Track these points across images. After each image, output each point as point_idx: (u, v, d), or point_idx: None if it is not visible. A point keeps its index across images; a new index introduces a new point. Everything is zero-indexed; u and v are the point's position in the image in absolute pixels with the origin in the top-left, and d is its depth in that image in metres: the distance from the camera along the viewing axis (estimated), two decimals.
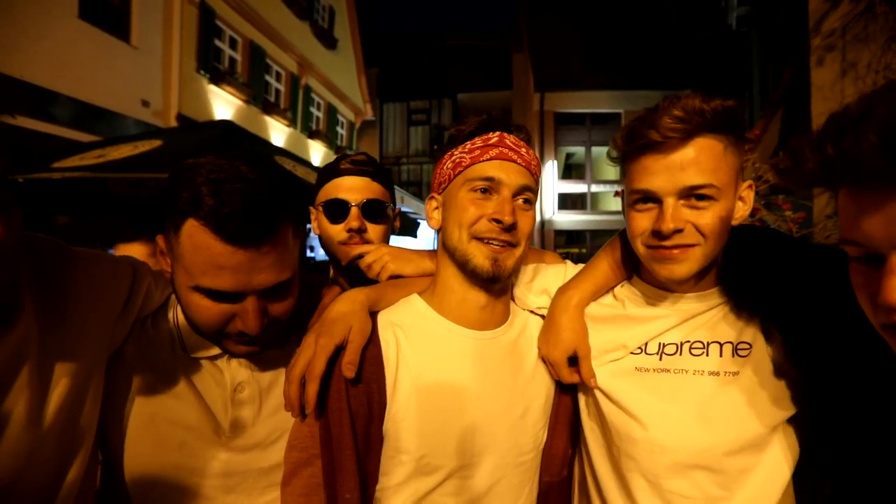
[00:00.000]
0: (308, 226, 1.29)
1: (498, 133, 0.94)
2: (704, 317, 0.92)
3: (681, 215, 0.82)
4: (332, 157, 13.19)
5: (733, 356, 0.88)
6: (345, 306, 0.92)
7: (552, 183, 18.11)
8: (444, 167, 0.97)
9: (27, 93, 5.33)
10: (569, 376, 0.96)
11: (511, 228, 0.90)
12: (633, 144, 0.84)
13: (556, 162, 18.32)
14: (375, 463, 0.88)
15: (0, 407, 0.68)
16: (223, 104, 8.98)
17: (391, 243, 1.29)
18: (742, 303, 0.92)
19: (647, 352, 0.94)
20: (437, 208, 1.00)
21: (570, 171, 20.13)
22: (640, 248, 0.89)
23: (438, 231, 1.00)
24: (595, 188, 18.29)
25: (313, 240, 1.16)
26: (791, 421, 0.86)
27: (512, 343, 0.99)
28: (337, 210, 1.27)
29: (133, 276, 0.92)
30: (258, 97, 10.02)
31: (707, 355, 0.89)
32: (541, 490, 0.98)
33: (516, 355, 0.99)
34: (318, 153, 12.52)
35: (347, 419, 0.85)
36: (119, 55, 6.69)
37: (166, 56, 7.54)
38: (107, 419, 0.89)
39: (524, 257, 0.97)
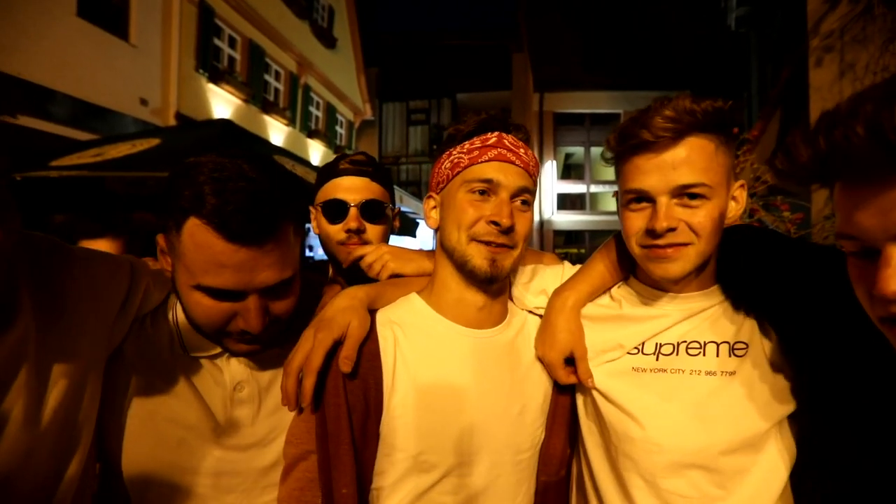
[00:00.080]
0: (307, 225, 1.29)
1: (496, 133, 0.94)
2: (701, 317, 0.93)
3: (674, 214, 0.83)
4: (331, 156, 13.19)
5: (730, 356, 0.88)
6: (344, 302, 0.92)
7: (551, 183, 18.12)
8: (443, 167, 0.97)
9: (25, 91, 5.31)
10: (565, 377, 0.97)
11: (509, 231, 0.90)
12: (626, 144, 0.85)
13: (555, 162, 18.33)
14: (372, 459, 0.88)
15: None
16: (222, 103, 8.97)
17: (390, 243, 1.29)
18: (738, 302, 0.92)
19: (644, 352, 0.94)
20: (434, 207, 1.00)
21: (569, 171, 20.15)
22: (634, 248, 0.89)
23: (436, 231, 1.00)
24: (594, 188, 18.31)
25: (312, 239, 1.16)
26: (788, 420, 0.86)
27: (510, 342, 1.00)
28: (336, 210, 1.27)
29: (131, 274, 0.92)
30: (257, 96, 10.01)
31: (704, 355, 0.90)
32: (539, 489, 0.98)
33: (514, 354, 0.99)
34: (317, 153, 12.51)
35: (345, 414, 0.85)
36: (118, 53, 6.68)
37: (165, 54, 7.52)
38: (105, 418, 0.89)
39: (522, 258, 0.97)
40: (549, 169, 17.95)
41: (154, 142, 3.61)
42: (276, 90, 11.06)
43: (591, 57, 18.70)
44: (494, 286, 0.96)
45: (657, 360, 0.93)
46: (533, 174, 0.97)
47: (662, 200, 0.83)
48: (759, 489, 0.84)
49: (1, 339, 0.69)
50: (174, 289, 0.90)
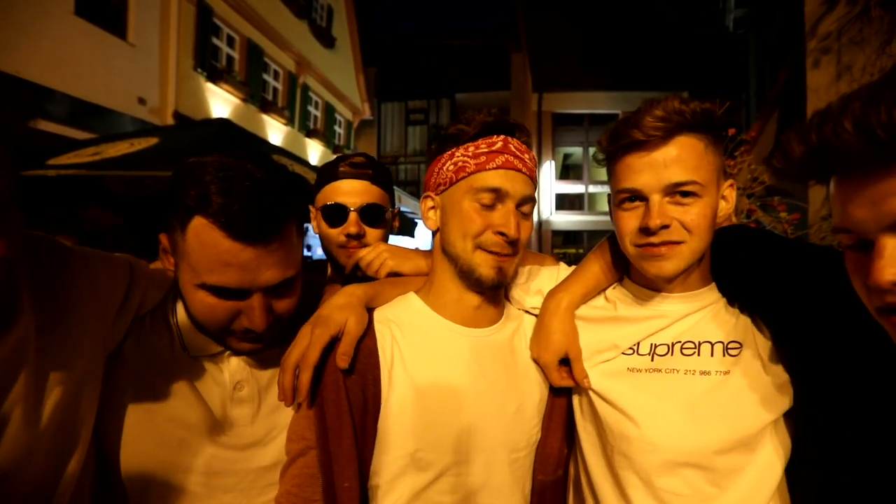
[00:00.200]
0: (307, 225, 1.30)
1: (502, 137, 0.92)
2: (695, 317, 0.93)
3: (667, 212, 0.84)
4: (330, 156, 13.17)
5: (724, 355, 0.89)
6: (342, 299, 0.93)
7: (549, 183, 18.14)
8: (445, 168, 0.95)
9: (24, 90, 5.30)
10: (559, 379, 0.97)
11: (515, 241, 0.91)
12: (618, 144, 0.87)
13: (553, 162, 18.36)
14: (370, 456, 0.88)
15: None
16: (220, 102, 8.96)
17: (389, 242, 1.30)
18: (732, 302, 0.93)
19: (639, 352, 0.95)
20: (433, 208, 0.99)
21: (567, 171, 20.18)
22: (628, 248, 0.90)
23: (435, 232, 1.00)
24: (592, 189, 18.35)
25: (310, 239, 1.16)
26: (783, 419, 0.87)
27: (506, 341, 1.00)
28: (336, 214, 1.27)
29: (130, 274, 0.92)
30: (256, 96, 10.00)
31: (698, 355, 0.90)
32: (536, 489, 0.98)
33: (511, 353, 0.99)
34: (315, 152, 12.51)
35: (346, 408, 0.85)
36: (116, 52, 6.66)
37: (163, 53, 7.51)
38: (105, 417, 0.89)
39: (520, 260, 0.98)
40: (548, 169, 17.98)
41: (152, 141, 3.61)
42: (275, 89, 11.06)
43: (590, 57, 18.73)
44: (498, 291, 0.97)
45: (652, 360, 0.93)
46: (535, 179, 0.97)
47: (655, 198, 0.84)
48: (753, 487, 0.84)
49: (1, 340, 0.69)
50: (177, 288, 0.90)
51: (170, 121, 7.50)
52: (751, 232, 0.96)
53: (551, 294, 1.02)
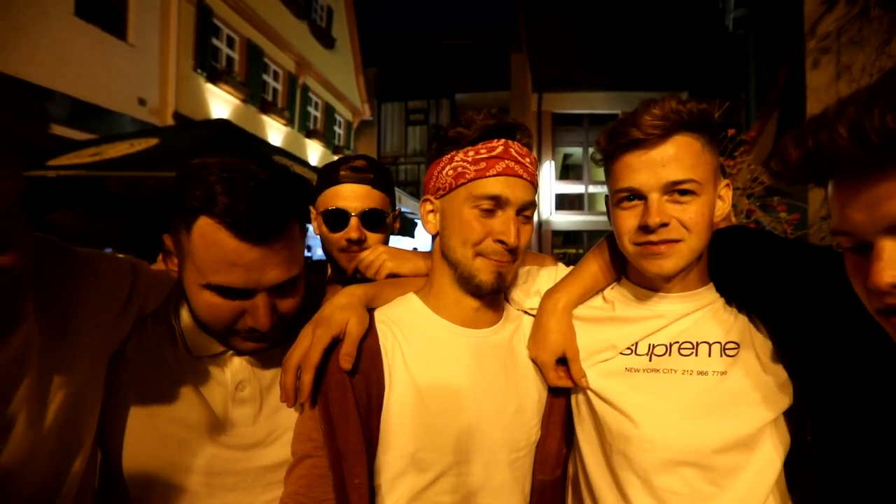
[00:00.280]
0: (307, 225, 1.30)
1: (503, 142, 0.91)
2: (693, 317, 0.94)
3: (665, 210, 0.85)
4: (330, 156, 13.18)
5: (721, 356, 0.89)
6: (343, 300, 0.93)
7: (549, 183, 18.13)
8: (444, 173, 0.94)
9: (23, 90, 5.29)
10: (556, 379, 0.97)
11: (514, 250, 0.91)
12: (616, 143, 0.87)
13: (553, 162, 18.35)
14: (374, 455, 0.89)
15: (4, 408, 0.69)
16: (220, 103, 8.96)
17: (389, 243, 1.30)
18: (730, 303, 0.94)
19: (637, 352, 0.95)
20: (432, 212, 0.99)
21: (567, 171, 20.17)
22: (627, 247, 0.90)
23: (435, 235, 1.00)
24: (592, 189, 18.34)
25: (310, 239, 1.16)
26: (782, 419, 0.87)
27: (506, 341, 1.00)
28: (336, 219, 1.27)
29: (133, 275, 0.92)
30: (255, 96, 10.00)
31: (696, 355, 0.91)
32: (535, 488, 0.98)
33: (510, 354, 1.00)
34: (315, 153, 12.51)
35: (353, 406, 0.86)
36: (116, 53, 6.67)
37: (163, 54, 7.52)
38: (107, 417, 0.89)
39: (519, 264, 0.98)
40: (548, 169, 17.98)
41: (152, 141, 3.61)
42: (275, 90, 11.06)
43: (590, 57, 18.73)
44: (497, 295, 0.97)
45: (650, 360, 0.93)
46: (536, 183, 0.96)
47: (654, 197, 0.85)
48: (752, 486, 0.85)
49: (6, 343, 0.69)
50: (180, 289, 0.90)
51: (170, 121, 7.50)
52: (750, 232, 0.97)
53: (549, 294, 1.02)
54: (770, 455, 0.85)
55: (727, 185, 0.93)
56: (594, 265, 1.04)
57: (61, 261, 0.82)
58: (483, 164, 0.90)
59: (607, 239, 1.04)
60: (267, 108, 10.46)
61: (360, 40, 14.93)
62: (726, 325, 0.91)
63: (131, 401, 0.91)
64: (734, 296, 0.93)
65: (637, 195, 0.87)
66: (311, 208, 1.33)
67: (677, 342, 0.93)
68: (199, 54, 8.23)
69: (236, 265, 0.80)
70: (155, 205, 0.88)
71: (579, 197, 18.75)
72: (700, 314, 0.94)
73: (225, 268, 0.80)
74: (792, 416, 0.87)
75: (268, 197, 0.81)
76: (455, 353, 0.94)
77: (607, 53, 18.58)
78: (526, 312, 1.06)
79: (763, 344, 0.88)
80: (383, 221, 1.30)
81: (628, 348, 0.96)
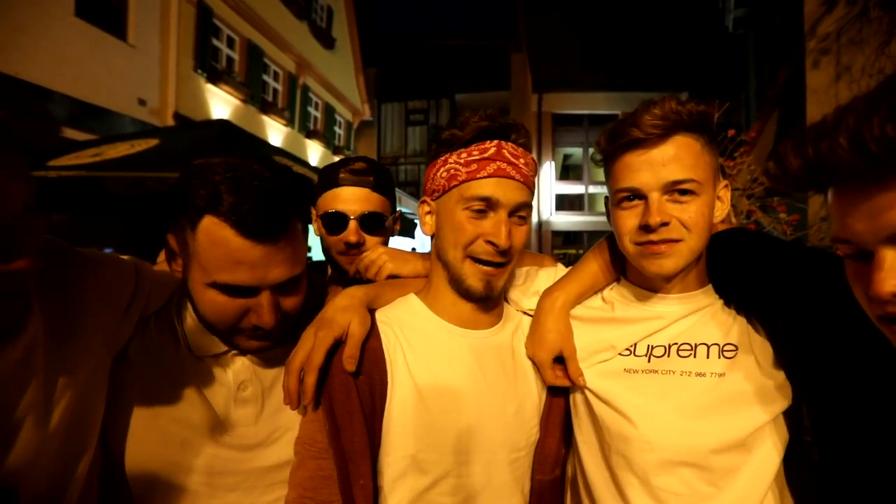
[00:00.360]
0: (309, 225, 1.30)
1: (496, 143, 0.91)
2: (691, 319, 0.94)
3: (666, 209, 0.85)
4: (330, 157, 13.14)
5: (719, 358, 0.90)
6: (344, 301, 0.93)
7: (549, 184, 18.13)
8: (438, 175, 0.95)
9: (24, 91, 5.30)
10: (553, 378, 0.97)
11: (506, 251, 0.91)
12: (616, 143, 0.88)
13: (553, 163, 18.35)
14: (377, 456, 0.89)
15: (10, 410, 0.69)
16: (220, 103, 8.96)
17: (389, 244, 1.30)
18: (729, 304, 0.94)
19: (636, 353, 0.95)
20: (429, 213, 0.99)
21: (567, 172, 20.16)
22: (628, 247, 0.91)
23: (432, 236, 1.00)
24: (592, 189, 18.33)
25: (309, 240, 1.16)
26: (780, 420, 0.87)
27: (506, 342, 1.00)
28: (335, 222, 1.27)
29: (136, 276, 0.93)
30: (256, 97, 10.01)
31: (694, 357, 0.91)
32: (534, 489, 0.98)
33: (510, 354, 1.00)
34: (315, 153, 12.51)
35: (357, 407, 0.86)
36: (116, 53, 6.67)
37: (163, 54, 7.52)
38: (110, 417, 0.89)
39: (515, 266, 0.98)
40: (548, 170, 17.97)
41: (152, 142, 3.61)
42: (275, 90, 11.06)
43: (590, 57, 18.72)
44: (489, 301, 0.97)
45: (649, 361, 0.94)
46: (532, 185, 0.96)
47: (654, 196, 0.85)
48: (750, 487, 0.85)
49: (13, 345, 0.70)
50: (182, 289, 0.91)
51: (170, 122, 7.50)
52: (749, 234, 0.97)
53: (547, 293, 1.03)
54: (768, 456, 0.85)
55: (726, 185, 0.93)
56: (593, 265, 1.04)
57: (65, 262, 0.82)
58: (475, 166, 0.90)
59: (607, 239, 1.04)
60: (267, 108, 10.46)
61: (360, 40, 14.94)
62: (725, 326, 0.92)
63: (134, 401, 0.91)
64: (733, 298, 0.93)
65: (637, 195, 0.87)
66: (312, 209, 1.34)
67: (676, 343, 0.93)
68: (199, 55, 8.23)
69: (241, 263, 0.81)
70: (155, 205, 0.89)
71: (579, 197, 18.75)
72: (699, 316, 0.94)
73: (230, 266, 0.81)
74: (790, 418, 0.87)
75: (271, 196, 0.82)
76: (455, 353, 0.94)
77: (607, 53, 18.58)
78: (525, 313, 1.07)
79: (761, 346, 0.88)
80: (382, 224, 1.30)
81: (627, 349, 0.96)
